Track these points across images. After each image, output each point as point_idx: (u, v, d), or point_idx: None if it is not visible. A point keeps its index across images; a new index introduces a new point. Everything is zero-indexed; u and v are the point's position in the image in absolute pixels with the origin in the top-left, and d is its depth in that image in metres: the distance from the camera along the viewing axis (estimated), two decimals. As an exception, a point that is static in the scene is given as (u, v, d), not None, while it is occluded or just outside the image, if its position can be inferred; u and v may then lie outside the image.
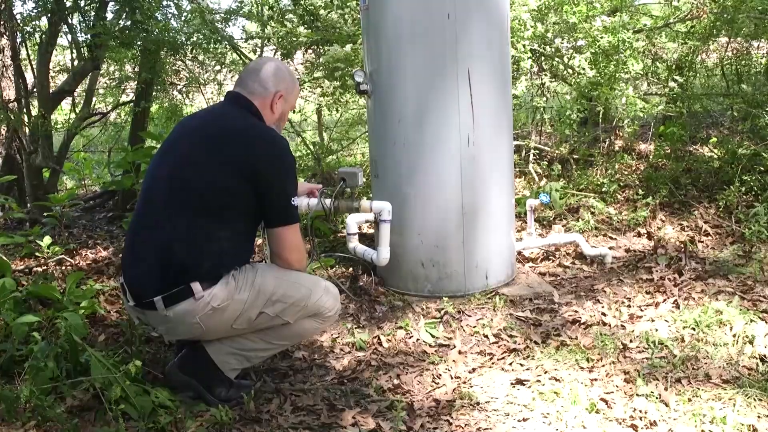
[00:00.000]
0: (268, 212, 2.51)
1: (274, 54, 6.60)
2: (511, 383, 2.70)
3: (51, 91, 5.61)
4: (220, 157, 2.41)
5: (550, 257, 4.26)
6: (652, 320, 3.18)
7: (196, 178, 2.42)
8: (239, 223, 2.50)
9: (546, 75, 5.86)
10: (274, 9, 6.12)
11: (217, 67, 6.93)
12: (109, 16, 5.68)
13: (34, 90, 5.66)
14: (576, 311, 3.36)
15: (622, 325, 3.17)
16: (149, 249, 2.43)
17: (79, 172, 7.06)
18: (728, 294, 3.40)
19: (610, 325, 3.17)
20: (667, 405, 2.44)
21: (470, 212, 3.52)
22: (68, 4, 5.37)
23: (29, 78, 5.81)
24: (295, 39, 5.82)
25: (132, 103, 6.39)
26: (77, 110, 6.12)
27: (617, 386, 2.61)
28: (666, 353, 2.85)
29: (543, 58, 5.88)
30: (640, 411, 2.40)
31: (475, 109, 3.42)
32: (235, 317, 2.45)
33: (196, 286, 2.37)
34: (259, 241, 4.11)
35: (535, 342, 3.05)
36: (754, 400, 2.44)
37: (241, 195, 2.45)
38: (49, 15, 5.31)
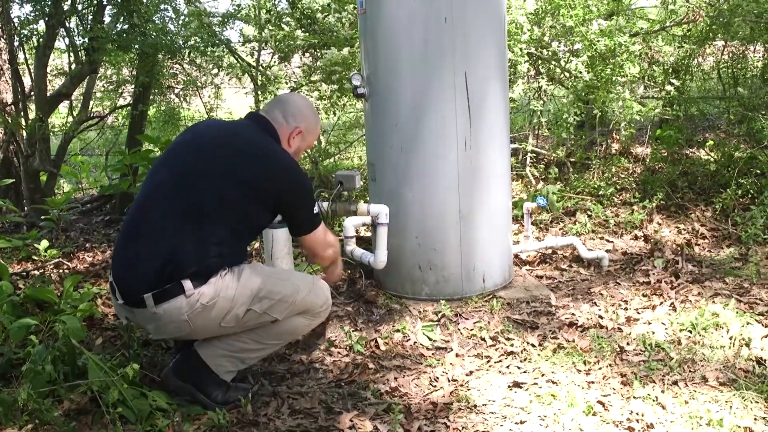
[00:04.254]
0: (294, 226, 2.74)
1: (272, 57, 6.61)
2: (509, 386, 2.71)
3: (48, 94, 5.60)
4: (242, 172, 2.47)
5: (547, 260, 4.27)
6: (649, 323, 3.19)
7: (202, 187, 2.45)
8: (237, 229, 2.53)
9: (543, 78, 5.88)
10: (272, 12, 6.14)
11: (215, 71, 6.94)
12: (107, 19, 5.69)
13: (32, 93, 5.66)
14: (573, 314, 3.37)
15: (618, 328, 3.17)
16: (144, 250, 2.43)
17: (76, 176, 7.05)
18: (725, 296, 3.41)
19: (607, 328, 3.18)
20: (663, 407, 2.44)
21: (467, 215, 3.53)
22: (66, 7, 5.38)
23: (26, 81, 5.81)
24: (292, 42, 5.84)
25: (129, 107, 6.39)
26: (75, 113, 6.12)
27: (614, 389, 2.61)
28: (663, 356, 2.86)
29: (540, 61, 5.90)
30: (637, 413, 2.41)
31: (472, 113, 3.43)
32: (223, 315, 2.45)
33: (187, 284, 2.37)
34: (256, 244, 4.12)
35: (532, 345, 3.05)
36: (751, 402, 2.45)
37: (247, 208, 2.51)
38: (46, 18, 5.31)
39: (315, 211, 2.67)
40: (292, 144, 2.68)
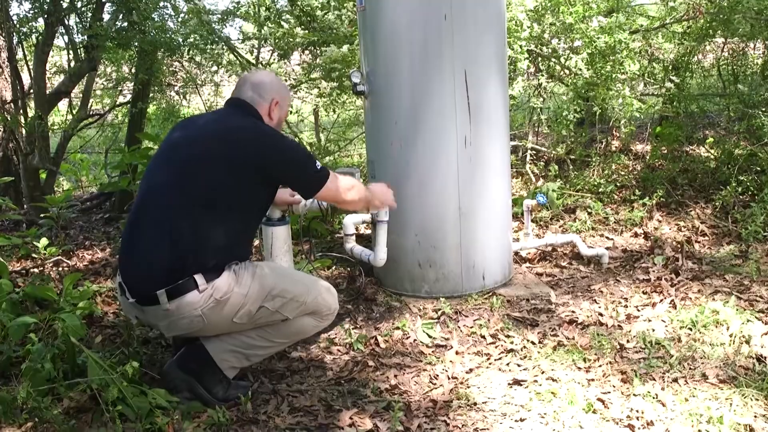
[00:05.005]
0: (303, 189, 2.70)
1: (271, 54, 6.61)
2: (508, 383, 2.70)
3: (48, 92, 5.60)
4: (232, 156, 2.49)
5: (547, 257, 4.26)
6: (649, 320, 3.19)
7: (205, 176, 2.47)
8: (242, 218, 2.57)
9: (543, 75, 5.87)
10: (271, 10, 6.13)
11: (214, 68, 6.93)
12: (106, 17, 5.68)
13: (31, 91, 5.66)
14: (573, 311, 3.37)
15: (619, 325, 3.17)
16: (152, 245, 2.44)
17: (76, 173, 7.05)
18: (725, 294, 3.41)
19: (607, 325, 3.18)
20: (663, 405, 2.44)
21: (467, 213, 3.53)
22: (65, 5, 5.37)
23: (26, 79, 5.80)
24: (292, 40, 5.83)
25: (129, 104, 6.38)
26: (74, 111, 6.11)
27: (614, 386, 2.61)
28: (663, 353, 2.85)
29: (540, 58, 5.89)
30: (637, 411, 2.41)
31: (472, 110, 3.42)
32: (236, 311, 2.47)
33: (199, 278, 2.40)
34: (256, 242, 4.12)
35: (532, 342, 3.05)
36: (751, 399, 2.44)
37: (247, 191, 2.53)
38: (45, 16, 5.31)
39: (318, 167, 2.65)
40: (273, 116, 2.72)
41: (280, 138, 2.64)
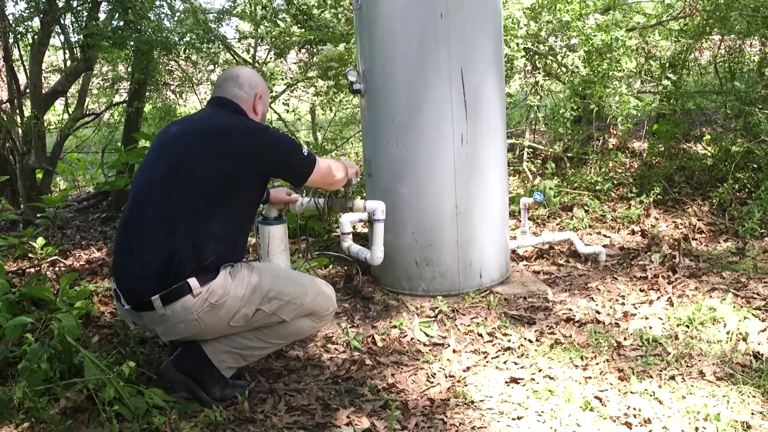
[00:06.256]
0: (296, 177, 2.73)
1: (268, 53, 6.60)
2: (506, 382, 2.70)
3: (44, 91, 5.59)
4: (221, 152, 2.49)
5: (545, 255, 4.26)
6: (646, 318, 3.19)
7: (197, 174, 2.46)
8: (236, 215, 2.56)
9: (539, 73, 5.86)
10: (267, 8, 6.11)
11: (211, 67, 6.92)
12: (102, 16, 5.67)
13: (27, 91, 5.64)
14: (570, 309, 3.37)
15: (616, 323, 3.17)
16: (145, 250, 2.43)
17: (72, 173, 7.03)
18: (722, 291, 3.41)
19: (604, 323, 3.18)
20: (661, 402, 2.44)
21: (464, 211, 3.53)
22: (60, 4, 5.36)
23: (21, 79, 5.79)
24: (288, 38, 5.82)
25: (125, 104, 6.37)
26: (70, 111, 6.10)
27: (611, 384, 2.61)
28: (660, 351, 2.86)
29: (536, 56, 5.89)
30: (635, 408, 2.41)
31: (469, 108, 3.42)
32: (232, 314, 2.46)
33: (193, 282, 2.38)
34: (252, 240, 4.11)
35: (529, 340, 3.05)
36: (748, 396, 2.45)
37: (239, 187, 2.52)
38: (41, 15, 5.29)
39: (305, 153, 2.67)
40: (257, 110, 2.73)
41: (269, 132, 2.67)
